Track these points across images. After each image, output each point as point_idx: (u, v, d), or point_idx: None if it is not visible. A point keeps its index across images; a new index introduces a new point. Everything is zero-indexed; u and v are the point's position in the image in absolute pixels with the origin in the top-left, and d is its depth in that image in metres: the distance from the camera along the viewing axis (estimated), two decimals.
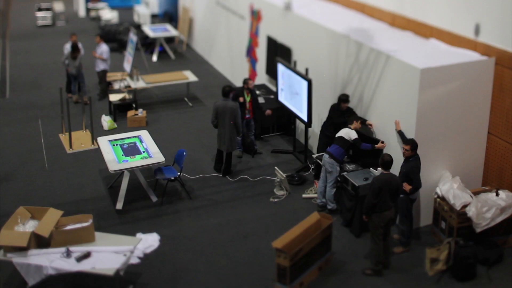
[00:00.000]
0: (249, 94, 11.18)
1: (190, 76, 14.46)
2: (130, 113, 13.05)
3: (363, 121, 9.47)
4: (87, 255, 7.27)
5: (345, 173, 9.15)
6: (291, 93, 10.91)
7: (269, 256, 8.24)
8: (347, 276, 7.97)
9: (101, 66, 14.25)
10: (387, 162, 7.87)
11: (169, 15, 21.49)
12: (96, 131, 12.24)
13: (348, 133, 9.16)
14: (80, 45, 14.20)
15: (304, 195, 9.96)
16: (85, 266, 7.14)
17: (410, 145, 8.19)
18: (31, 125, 12.97)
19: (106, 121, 12.75)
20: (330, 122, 9.99)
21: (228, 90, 10.43)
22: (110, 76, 14.91)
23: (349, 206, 8.92)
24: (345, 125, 9.41)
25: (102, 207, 9.64)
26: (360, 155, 9.49)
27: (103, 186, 10.32)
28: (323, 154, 9.35)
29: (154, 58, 18.07)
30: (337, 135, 9.27)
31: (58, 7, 23.92)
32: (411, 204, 8.36)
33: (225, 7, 15.86)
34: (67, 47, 14.16)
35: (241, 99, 11.01)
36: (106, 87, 14.42)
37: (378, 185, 7.73)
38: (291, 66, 11.15)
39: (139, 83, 13.84)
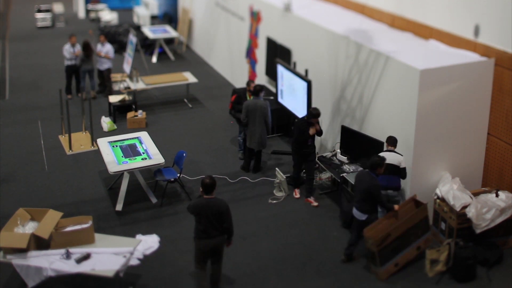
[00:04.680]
0: (251, 96, 11.19)
1: (189, 78, 14.46)
2: (130, 115, 13.05)
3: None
4: (86, 257, 7.26)
5: (345, 174, 9.14)
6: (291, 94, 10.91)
7: (268, 257, 8.23)
8: (347, 277, 7.97)
9: (105, 65, 14.37)
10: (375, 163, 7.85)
11: (169, 17, 21.49)
12: (96, 132, 12.24)
13: (398, 159, 8.35)
14: (78, 46, 14.27)
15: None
16: (85, 267, 7.14)
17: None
18: (30, 126, 12.97)
19: (106, 122, 12.75)
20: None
21: (259, 89, 10.54)
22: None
23: (349, 208, 8.90)
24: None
25: (102, 209, 9.63)
26: (360, 155, 9.49)
27: (103, 188, 10.31)
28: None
29: (154, 59, 18.06)
30: (388, 161, 8.14)
31: (58, 8, 23.89)
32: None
33: (224, 8, 15.85)
34: (67, 48, 14.18)
35: None
36: (111, 85, 14.49)
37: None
38: (291, 67, 11.15)
39: (139, 85, 13.85)
